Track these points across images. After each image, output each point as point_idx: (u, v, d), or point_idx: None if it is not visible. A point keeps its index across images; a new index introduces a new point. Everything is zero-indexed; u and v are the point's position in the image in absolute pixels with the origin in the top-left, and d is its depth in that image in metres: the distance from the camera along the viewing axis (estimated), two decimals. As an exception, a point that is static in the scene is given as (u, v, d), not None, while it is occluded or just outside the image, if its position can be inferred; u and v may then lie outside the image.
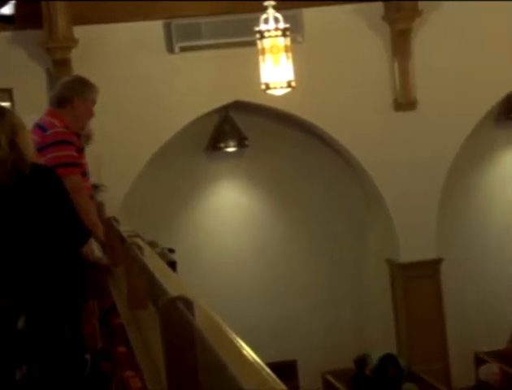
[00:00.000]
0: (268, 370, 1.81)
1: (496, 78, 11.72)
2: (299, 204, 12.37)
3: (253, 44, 10.22)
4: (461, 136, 11.79)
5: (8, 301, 3.68)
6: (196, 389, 2.16)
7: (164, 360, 2.29)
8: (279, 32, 9.99)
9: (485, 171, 12.75)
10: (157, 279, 2.83)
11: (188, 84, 11.14)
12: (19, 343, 3.65)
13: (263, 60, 10.05)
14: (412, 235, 11.78)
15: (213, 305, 2.84)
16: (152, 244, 5.34)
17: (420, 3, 11.36)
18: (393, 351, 11.78)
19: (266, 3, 10.12)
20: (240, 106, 11.67)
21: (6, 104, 8.79)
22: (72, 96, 5.50)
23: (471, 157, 12.43)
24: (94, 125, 7.27)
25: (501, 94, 11.90)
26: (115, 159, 10.63)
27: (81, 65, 10.19)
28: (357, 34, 11.42)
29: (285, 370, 11.36)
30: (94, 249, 5.05)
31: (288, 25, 10.08)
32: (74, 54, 10.50)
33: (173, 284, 2.76)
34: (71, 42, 10.53)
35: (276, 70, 9.99)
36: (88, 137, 7.18)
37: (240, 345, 1.99)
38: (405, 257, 11.81)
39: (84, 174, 5.49)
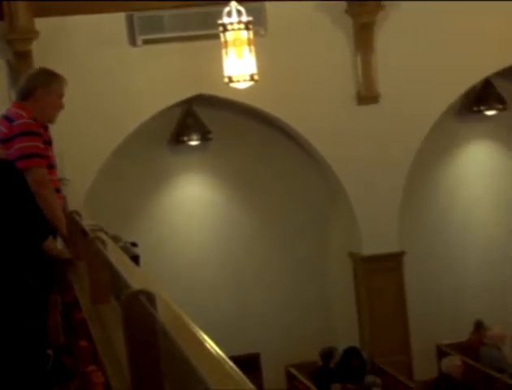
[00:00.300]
0: (231, 363, 1.80)
1: (458, 72, 11.80)
2: (262, 198, 12.37)
3: (216, 37, 10.20)
4: (423, 130, 11.87)
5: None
6: (159, 383, 2.15)
7: (127, 354, 2.28)
8: (242, 26, 9.97)
9: (447, 164, 12.84)
10: (119, 272, 2.82)
11: (151, 77, 11.09)
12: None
13: (226, 53, 10.03)
14: (375, 228, 11.84)
15: (176, 298, 2.83)
16: (115, 239, 5.32)
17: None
18: (356, 344, 11.86)
19: (229, -4, 10.10)
20: (203, 100, 11.64)
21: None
22: (36, 87, 5.45)
23: (434, 151, 12.52)
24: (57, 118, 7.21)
25: (462, 88, 12.00)
26: (78, 152, 10.56)
27: (43, 57, 10.10)
28: (320, 27, 11.44)
29: (248, 363, 11.38)
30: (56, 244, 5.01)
31: (250, 18, 10.06)
32: (35, 46, 10.41)
33: (136, 278, 2.75)
34: (32, 34, 10.43)
35: (239, 63, 9.97)
36: None
37: (203, 338, 1.98)
38: (368, 250, 11.87)
39: (51, 166, 5.43)
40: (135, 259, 4.94)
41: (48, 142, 5.44)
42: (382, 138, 11.73)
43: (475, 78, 12.08)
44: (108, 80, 10.90)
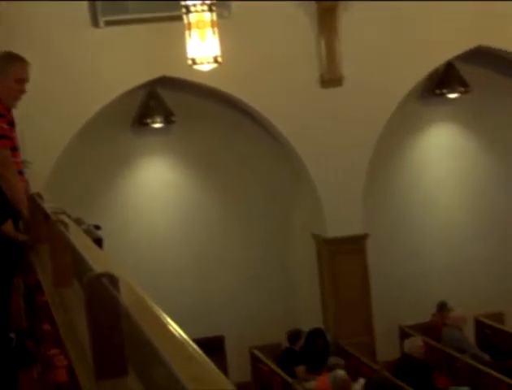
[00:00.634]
0: (194, 345, 1.80)
1: (421, 55, 11.86)
2: (226, 180, 12.36)
3: (179, 19, 10.14)
4: (386, 113, 11.92)
5: None
6: (122, 365, 2.14)
7: (89, 337, 2.27)
8: (206, 7, 9.92)
9: (410, 147, 12.91)
10: (82, 255, 2.80)
11: (114, 59, 11.01)
12: None
13: (189, 35, 9.97)
14: (338, 211, 11.89)
15: (140, 281, 2.81)
16: (78, 221, 5.28)
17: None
18: (320, 326, 11.92)
19: (192, -22, 10.03)
20: (167, 82, 11.58)
21: None
22: None
23: (397, 134, 12.58)
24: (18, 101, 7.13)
25: (425, 71, 12.05)
26: (40, 135, 10.47)
27: (5, 41, 9.96)
28: (284, 10, 11.42)
29: (212, 345, 11.39)
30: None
31: (214, 0, 10.01)
32: (-3, 29, 10.28)
33: (98, 261, 2.73)
34: (-6, 16, 10.30)
35: (203, 45, 9.92)
36: None
37: (167, 321, 1.98)
38: (332, 232, 11.92)
39: (15, 149, 5.36)
40: (98, 242, 4.91)
41: (11, 124, 5.38)
42: (345, 121, 11.76)
43: (437, 61, 12.14)
44: (71, 63, 10.80)
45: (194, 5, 9.90)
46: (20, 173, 5.45)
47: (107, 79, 10.97)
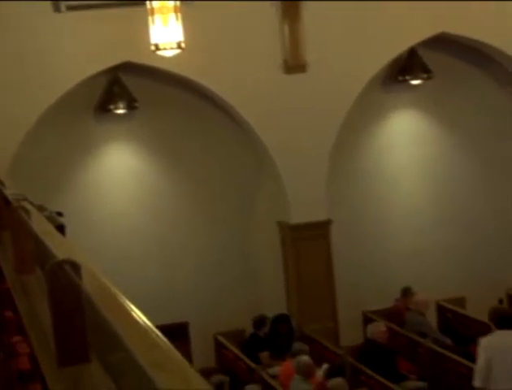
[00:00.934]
0: (158, 332, 1.79)
1: (384, 42, 11.91)
2: (189, 167, 12.32)
3: (142, 4, 10.07)
4: (350, 99, 11.95)
5: None
6: (84, 352, 2.13)
7: (52, 324, 2.25)
8: (169, -7, 9.86)
9: (373, 134, 12.95)
10: (44, 242, 2.78)
11: (76, 45, 10.92)
12: None
13: (152, 21, 9.92)
14: (302, 197, 11.92)
15: (104, 267, 2.80)
16: (40, 208, 5.24)
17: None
18: (284, 312, 11.95)
19: (155, -37, 9.97)
20: (129, 68, 11.51)
21: None
22: None
23: (360, 120, 12.62)
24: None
25: (388, 58, 12.10)
26: (1, 121, 10.37)
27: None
28: (248, -4, 11.39)
29: (177, 332, 11.39)
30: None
31: (177, -14, 9.96)
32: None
33: (61, 248, 2.71)
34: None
35: (166, 31, 9.87)
36: None
37: (130, 308, 1.97)
38: (296, 218, 11.95)
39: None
40: (60, 229, 4.88)
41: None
42: (309, 107, 11.78)
43: (400, 48, 12.19)
44: (32, 48, 10.69)
45: (157, -10, 9.84)
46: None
47: (69, 64, 10.88)
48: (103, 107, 11.87)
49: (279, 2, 11.49)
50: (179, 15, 9.94)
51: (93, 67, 11.08)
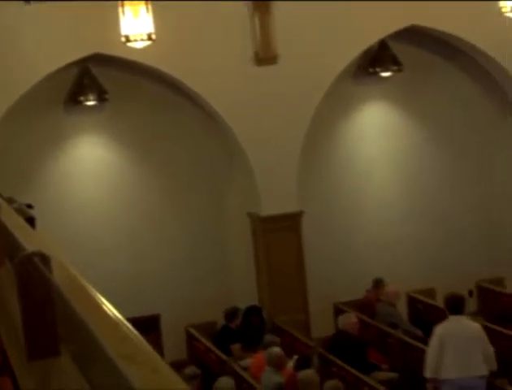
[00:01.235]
0: (129, 325, 1.79)
1: (354, 34, 11.93)
2: (160, 158, 12.29)
3: (112, -5, 10.02)
4: (321, 91, 11.97)
5: None
6: (55, 346, 2.12)
7: (21, 317, 2.24)
8: (139, -16, 9.82)
9: (344, 126, 12.98)
10: (13, 235, 2.76)
11: (46, 36, 10.84)
12: None
13: (123, 12, 9.87)
14: (273, 188, 11.93)
15: (74, 260, 2.78)
16: (9, 200, 5.21)
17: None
18: (256, 304, 11.97)
19: (125, -46, 9.92)
20: (100, 59, 11.45)
21: None
22: None
23: (331, 112, 12.64)
24: None
25: (358, 50, 12.13)
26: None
27: None
28: (219, -13, 11.36)
29: (148, 324, 11.37)
30: None
31: (148, -23, 9.92)
32: None
33: (30, 240, 2.69)
34: None
35: (136, 22, 9.83)
36: None
37: (101, 301, 1.96)
38: (267, 210, 11.96)
39: None
40: (30, 221, 4.84)
41: None
42: (280, 99, 11.78)
43: (370, 40, 12.22)
44: (1, 39, 10.59)
45: (127, -19, 9.79)
46: None
47: (39, 56, 10.80)
48: (73, 99, 11.80)
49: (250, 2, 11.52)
50: (149, 6, 9.91)
51: (63, 58, 11.01)
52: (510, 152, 13.40)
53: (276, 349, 9.41)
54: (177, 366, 9.68)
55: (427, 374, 8.47)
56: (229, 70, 11.59)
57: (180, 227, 12.38)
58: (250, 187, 12.14)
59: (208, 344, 10.89)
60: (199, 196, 12.42)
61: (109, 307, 1.91)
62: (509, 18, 11.28)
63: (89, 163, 12.10)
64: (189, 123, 12.33)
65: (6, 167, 11.41)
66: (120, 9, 9.90)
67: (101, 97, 11.80)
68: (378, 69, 12.71)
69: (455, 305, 8.63)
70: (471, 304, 12.53)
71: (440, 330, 8.55)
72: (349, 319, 10.40)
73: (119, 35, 9.99)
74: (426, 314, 11.85)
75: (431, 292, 12.81)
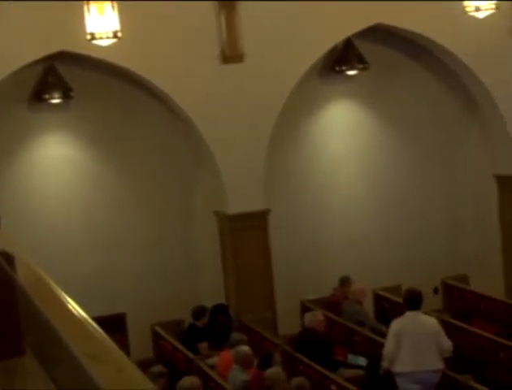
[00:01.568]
0: (94, 324, 1.78)
1: (320, 32, 11.97)
2: (128, 157, 12.24)
3: (78, -7, 9.96)
4: (287, 90, 11.99)
5: None
6: (19, 345, 2.10)
7: (-15, 317, 2.22)
8: (105, -19, 9.77)
9: (311, 124, 13.01)
10: (-23, 234, 2.73)
11: (10, 33, 10.75)
12: None
13: (88, 10, 9.81)
14: (240, 187, 11.93)
15: (39, 259, 2.76)
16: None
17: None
18: (222, 302, 11.97)
19: (90, -49, 9.85)
20: (65, 57, 11.38)
21: None
22: None
23: (297, 110, 12.67)
24: None
25: (324, 48, 12.16)
26: None
27: None
28: (185, -15, 11.34)
29: (114, 323, 11.33)
30: None
31: (113, -26, 9.86)
32: None
33: (-6, 239, 2.67)
34: None
35: (102, 20, 9.77)
36: None
37: (65, 300, 1.95)
38: (233, 208, 11.96)
39: None
40: (-5, 220, 4.80)
41: None
42: (247, 97, 11.79)
43: (336, 38, 12.26)
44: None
45: (93, -22, 9.74)
46: None
47: (3, 53, 10.70)
48: (38, 97, 11.71)
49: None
50: (115, 4, 9.86)
51: (28, 56, 10.92)
52: (472, 149, 13.52)
53: (244, 348, 9.42)
54: (143, 365, 9.66)
55: (385, 364, 8.62)
56: (194, 68, 11.57)
57: (148, 227, 12.34)
58: (217, 186, 12.13)
59: (175, 342, 10.87)
60: (166, 195, 12.40)
61: (74, 306, 1.91)
62: (473, 17, 11.37)
63: (54, 162, 12.02)
64: (156, 123, 12.29)
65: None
66: (85, 6, 9.84)
67: (67, 95, 11.72)
68: (344, 67, 12.75)
69: (412, 301, 8.73)
70: (437, 301, 12.64)
71: (396, 325, 8.65)
72: (316, 317, 10.44)
73: (85, 33, 9.93)
74: (392, 312, 11.90)
75: (397, 290, 12.85)
